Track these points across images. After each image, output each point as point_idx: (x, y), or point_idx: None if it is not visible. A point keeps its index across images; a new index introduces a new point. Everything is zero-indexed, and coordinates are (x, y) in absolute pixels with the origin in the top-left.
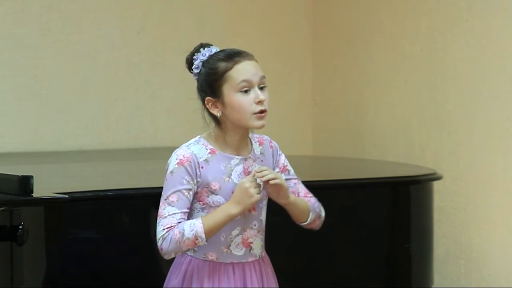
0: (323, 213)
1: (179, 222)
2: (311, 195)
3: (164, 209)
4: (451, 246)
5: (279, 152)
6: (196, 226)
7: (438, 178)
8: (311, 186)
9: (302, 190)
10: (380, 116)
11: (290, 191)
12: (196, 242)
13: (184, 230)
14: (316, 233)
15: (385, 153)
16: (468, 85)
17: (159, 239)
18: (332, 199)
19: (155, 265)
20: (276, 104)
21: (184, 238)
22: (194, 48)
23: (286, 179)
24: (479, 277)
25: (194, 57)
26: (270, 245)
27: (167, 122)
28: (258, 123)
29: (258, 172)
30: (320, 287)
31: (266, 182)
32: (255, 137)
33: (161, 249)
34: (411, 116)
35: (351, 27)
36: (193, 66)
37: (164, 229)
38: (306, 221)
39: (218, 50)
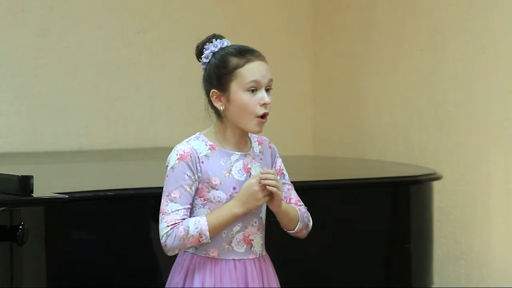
0: (310, 223)
1: (183, 219)
2: (301, 203)
3: (167, 206)
4: (451, 246)
5: (277, 155)
6: (200, 224)
7: (438, 178)
8: (311, 186)
9: (294, 197)
10: (380, 116)
11: (283, 197)
12: (200, 239)
13: (189, 227)
14: (316, 233)
15: (385, 153)
16: (468, 85)
17: (162, 236)
18: (332, 199)
19: (155, 264)
20: (276, 104)
21: (189, 236)
22: (206, 38)
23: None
24: (479, 277)
25: (206, 46)
26: (270, 245)
27: (167, 122)
28: (257, 128)
29: (263, 174)
30: (320, 287)
31: (263, 185)
32: (254, 136)
33: (165, 245)
34: (411, 116)
35: (351, 27)
36: (203, 56)
37: (168, 226)
38: (293, 230)
39: (229, 43)
